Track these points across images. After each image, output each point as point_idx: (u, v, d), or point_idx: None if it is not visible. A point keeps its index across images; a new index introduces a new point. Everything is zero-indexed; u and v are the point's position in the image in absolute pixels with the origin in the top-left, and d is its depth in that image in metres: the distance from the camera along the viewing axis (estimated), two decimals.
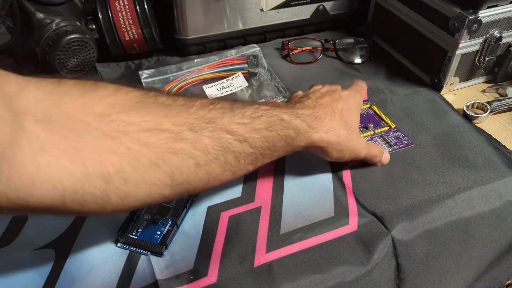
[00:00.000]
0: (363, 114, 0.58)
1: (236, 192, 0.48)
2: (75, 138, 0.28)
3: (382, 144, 0.54)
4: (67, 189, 0.28)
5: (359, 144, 0.47)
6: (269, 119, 0.39)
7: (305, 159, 0.52)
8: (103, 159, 0.29)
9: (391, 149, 0.53)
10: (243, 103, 0.39)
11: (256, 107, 0.39)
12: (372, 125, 0.56)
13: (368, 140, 0.54)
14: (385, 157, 0.50)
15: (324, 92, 0.49)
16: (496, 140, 0.55)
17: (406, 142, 0.54)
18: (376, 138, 0.55)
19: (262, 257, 0.41)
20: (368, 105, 0.60)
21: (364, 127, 0.55)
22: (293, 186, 0.48)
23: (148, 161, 0.31)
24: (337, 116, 0.45)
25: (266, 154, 0.40)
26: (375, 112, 0.59)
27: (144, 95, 0.33)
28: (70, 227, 0.44)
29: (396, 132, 0.55)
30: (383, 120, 0.58)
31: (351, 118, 0.46)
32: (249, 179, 0.49)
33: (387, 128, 0.56)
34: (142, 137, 0.31)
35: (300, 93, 0.52)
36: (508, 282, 0.53)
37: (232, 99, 0.39)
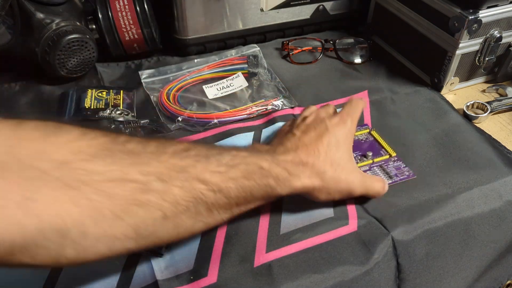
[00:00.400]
0: (361, 140, 0.54)
1: None
2: (30, 188, 0.27)
3: (381, 175, 0.50)
4: (17, 242, 0.26)
5: (350, 183, 0.43)
6: (247, 167, 0.36)
7: None
8: (60, 210, 0.27)
9: (391, 181, 0.48)
10: (220, 150, 0.37)
11: (234, 153, 0.37)
12: (371, 154, 0.51)
13: (366, 171, 0.50)
14: (385, 190, 0.46)
15: (309, 124, 0.45)
16: (496, 140, 0.55)
17: (407, 174, 0.49)
18: (375, 168, 0.50)
19: (262, 257, 0.41)
20: (368, 130, 0.56)
21: (362, 155, 0.51)
22: None
23: (111, 214, 0.29)
24: (322, 155, 0.41)
25: (242, 204, 0.37)
26: (374, 138, 0.54)
27: (112, 141, 0.31)
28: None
29: (397, 162, 0.51)
30: (383, 147, 0.53)
31: (339, 155, 0.42)
32: None
33: (387, 156, 0.52)
34: (106, 188, 0.29)
35: (287, 126, 0.47)
36: (508, 282, 0.53)
37: (209, 145, 0.37)
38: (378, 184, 0.45)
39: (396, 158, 0.52)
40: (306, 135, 0.43)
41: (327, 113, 0.47)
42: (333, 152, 0.42)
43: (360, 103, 0.48)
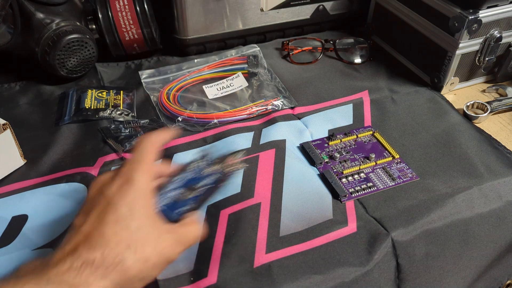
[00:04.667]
0: (364, 142, 0.54)
1: (235, 187, 0.47)
2: None
3: (384, 177, 0.49)
4: None
5: (162, 251, 0.34)
6: None
7: (303, 160, 0.52)
8: None
9: (394, 183, 0.48)
10: None
11: None
12: (374, 155, 0.51)
13: (369, 173, 0.50)
14: (200, 231, 0.37)
15: (89, 202, 0.35)
16: (496, 140, 0.55)
17: (410, 176, 0.49)
18: (378, 170, 0.50)
19: (261, 257, 0.41)
20: (371, 132, 0.55)
21: (365, 157, 0.51)
22: (292, 186, 0.48)
23: None
24: (112, 240, 0.31)
25: None
26: (378, 140, 0.54)
27: None
28: (70, 227, 0.44)
29: (400, 164, 0.51)
30: (386, 149, 0.53)
31: (135, 226, 0.32)
32: (248, 174, 0.49)
33: (390, 158, 0.51)
34: None
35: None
36: (508, 282, 0.53)
37: None
38: (191, 232, 0.36)
39: (399, 160, 0.51)
40: (87, 222, 0.33)
41: (112, 175, 0.36)
42: (126, 228, 0.32)
43: (150, 140, 0.37)
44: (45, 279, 0.29)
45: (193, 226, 0.36)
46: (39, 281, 0.29)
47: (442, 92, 0.64)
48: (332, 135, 0.54)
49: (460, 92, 0.65)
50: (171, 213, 0.39)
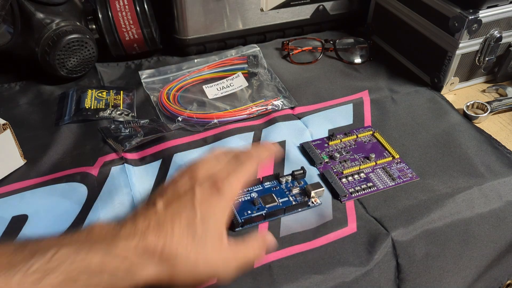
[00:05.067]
0: (364, 142, 0.54)
1: None
2: None
3: (384, 177, 0.49)
4: None
5: (212, 266, 0.35)
6: (71, 267, 0.29)
7: (303, 160, 0.52)
8: None
9: (393, 183, 0.48)
10: (34, 249, 0.30)
11: (52, 253, 0.29)
12: (374, 156, 0.51)
13: (369, 173, 0.50)
14: (262, 253, 0.39)
15: (178, 190, 0.36)
16: (496, 140, 0.55)
17: (410, 176, 0.49)
18: (378, 170, 0.50)
19: (262, 258, 0.41)
20: (371, 132, 0.55)
21: (365, 157, 0.51)
22: None
23: None
24: (176, 236, 0.33)
25: None
26: (378, 140, 0.54)
27: None
28: (70, 227, 0.44)
29: (400, 164, 0.51)
30: (386, 149, 0.53)
31: (201, 232, 0.34)
32: None
33: (390, 158, 0.51)
34: None
35: (175, 176, 0.38)
36: (508, 282, 0.53)
37: (20, 245, 0.30)
38: (252, 253, 0.37)
39: (399, 160, 0.51)
40: (166, 209, 0.35)
41: (207, 171, 0.37)
42: (193, 232, 0.34)
43: (256, 154, 0.40)
44: (113, 250, 0.31)
45: (254, 251, 0.37)
46: (109, 251, 0.31)
47: (442, 92, 0.64)
48: (332, 135, 0.54)
49: (460, 92, 0.65)
50: (239, 214, 0.43)
